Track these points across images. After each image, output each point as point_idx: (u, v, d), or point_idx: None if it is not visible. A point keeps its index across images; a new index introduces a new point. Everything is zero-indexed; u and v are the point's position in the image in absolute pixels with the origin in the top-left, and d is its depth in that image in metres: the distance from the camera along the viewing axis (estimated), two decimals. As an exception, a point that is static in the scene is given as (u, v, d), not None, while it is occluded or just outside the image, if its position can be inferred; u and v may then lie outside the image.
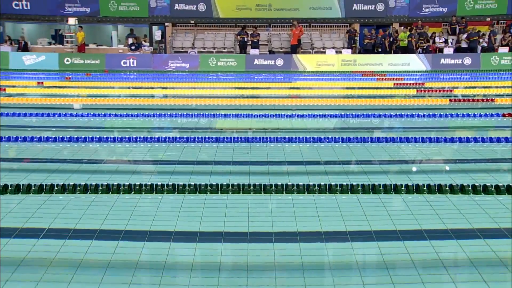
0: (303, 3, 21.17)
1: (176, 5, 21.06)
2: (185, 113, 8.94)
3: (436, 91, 12.61)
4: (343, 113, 9.13)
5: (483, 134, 7.04)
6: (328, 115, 8.84)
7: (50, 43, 22.34)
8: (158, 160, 6.07)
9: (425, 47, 19.30)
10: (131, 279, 3.05)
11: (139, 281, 3.05)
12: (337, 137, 6.76)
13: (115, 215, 4.11)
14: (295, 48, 19.84)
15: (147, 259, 3.36)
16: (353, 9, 21.05)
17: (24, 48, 20.63)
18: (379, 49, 20.11)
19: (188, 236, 3.71)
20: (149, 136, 6.91)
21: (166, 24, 21.43)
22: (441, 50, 19.57)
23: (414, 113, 8.71)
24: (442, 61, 18.56)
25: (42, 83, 14.35)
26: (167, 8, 21.09)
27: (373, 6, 21.01)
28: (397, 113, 8.75)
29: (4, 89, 12.51)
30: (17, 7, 21.02)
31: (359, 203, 4.36)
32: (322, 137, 6.78)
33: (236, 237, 3.68)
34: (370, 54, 19.53)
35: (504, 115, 8.57)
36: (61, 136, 6.76)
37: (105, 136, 6.86)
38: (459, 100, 10.66)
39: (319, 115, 8.81)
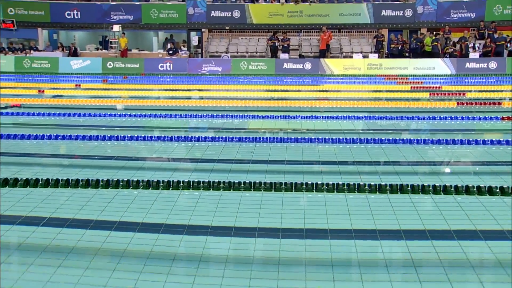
0: (333, 10, 20.92)
1: (213, 12, 21.21)
2: (219, 114, 8.96)
3: (449, 94, 12.23)
4: (361, 115, 8.99)
5: (483, 137, 6.88)
6: (346, 116, 8.74)
7: (97, 49, 22.92)
8: (197, 159, 6.11)
9: (452, 51, 18.71)
10: (169, 269, 3.08)
11: (176, 271, 3.07)
12: (355, 138, 6.71)
13: (156, 209, 4.16)
14: (324, 53, 19.64)
15: (184, 251, 3.39)
16: (382, 15, 20.65)
17: (73, 53, 21.22)
18: (406, 54, 19.66)
19: (224, 230, 3.71)
20: (183, 136, 6.97)
21: (202, 30, 21.63)
22: (467, 55, 18.93)
23: (415, 116, 8.68)
24: (467, 65, 17.95)
25: (79, 85, 14.56)
26: (204, 15, 21.28)
27: (401, 12, 20.54)
28: (403, 116, 8.76)
29: (43, 91, 12.86)
30: (69, 16, 21.69)
31: (389, 202, 4.26)
32: (341, 137, 6.72)
33: (269, 233, 3.66)
34: (397, 58, 19.11)
35: (503, 119, 8.24)
36: (95, 135, 6.92)
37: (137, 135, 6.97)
38: (467, 104, 10.29)
39: (343, 116, 8.74)
